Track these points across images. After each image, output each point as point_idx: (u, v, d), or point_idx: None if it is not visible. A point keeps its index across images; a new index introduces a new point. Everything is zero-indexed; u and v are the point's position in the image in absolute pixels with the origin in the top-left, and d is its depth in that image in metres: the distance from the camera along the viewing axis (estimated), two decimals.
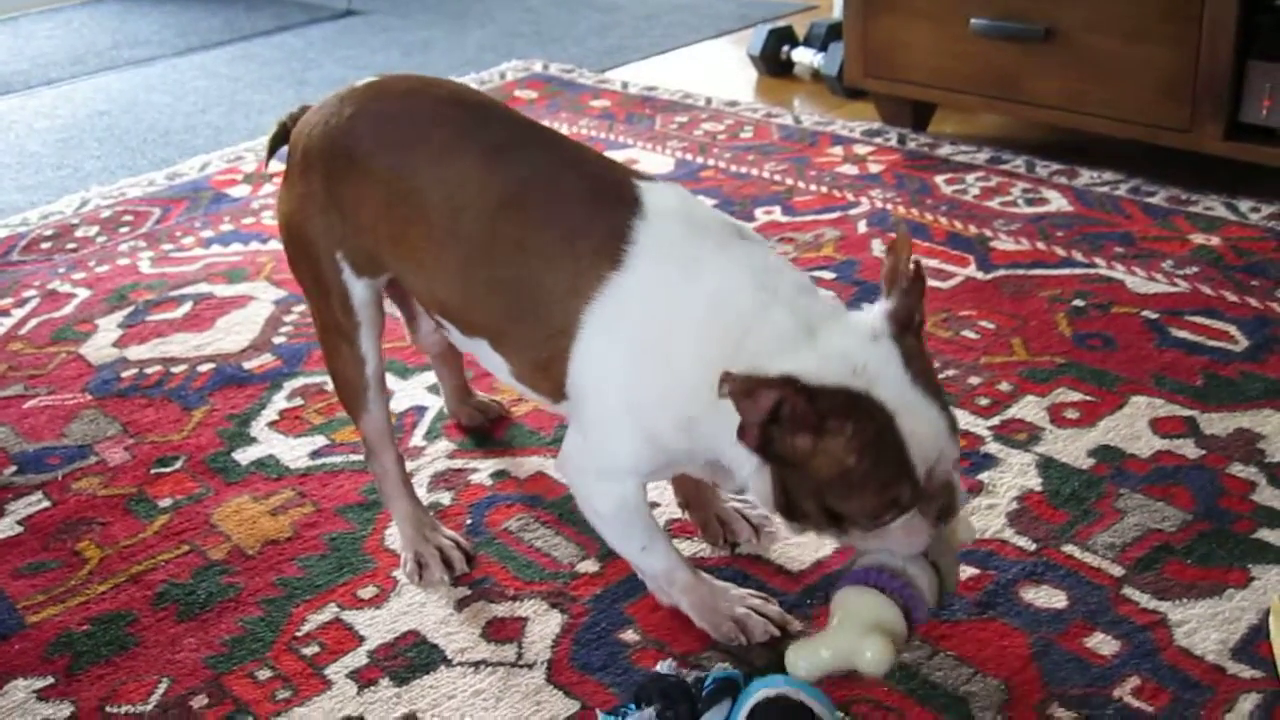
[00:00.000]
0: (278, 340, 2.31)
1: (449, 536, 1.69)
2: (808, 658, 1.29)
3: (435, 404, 2.06)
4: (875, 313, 1.29)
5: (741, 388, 1.19)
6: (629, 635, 1.54)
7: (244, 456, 1.96)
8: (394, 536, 1.74)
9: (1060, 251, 2.42)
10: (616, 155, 3.08)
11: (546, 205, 1.43)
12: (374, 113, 1.56)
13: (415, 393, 2.10)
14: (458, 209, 1.46)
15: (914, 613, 1.30)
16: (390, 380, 2.14)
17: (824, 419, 1.21)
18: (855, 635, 1.27)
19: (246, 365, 2.23)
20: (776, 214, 2.69)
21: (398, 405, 2.06)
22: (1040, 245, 2.46)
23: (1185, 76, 2.55)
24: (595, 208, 1.41)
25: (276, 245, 2.70)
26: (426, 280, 1.53)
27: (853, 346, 1.25)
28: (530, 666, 1.50)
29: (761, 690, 1.30)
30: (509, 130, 1.52)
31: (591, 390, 1.41)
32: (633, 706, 1.33)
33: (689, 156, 3.05)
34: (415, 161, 1.49)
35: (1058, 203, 2.65)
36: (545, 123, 3.27)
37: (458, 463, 1.90)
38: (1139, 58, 2.60)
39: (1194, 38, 2.51)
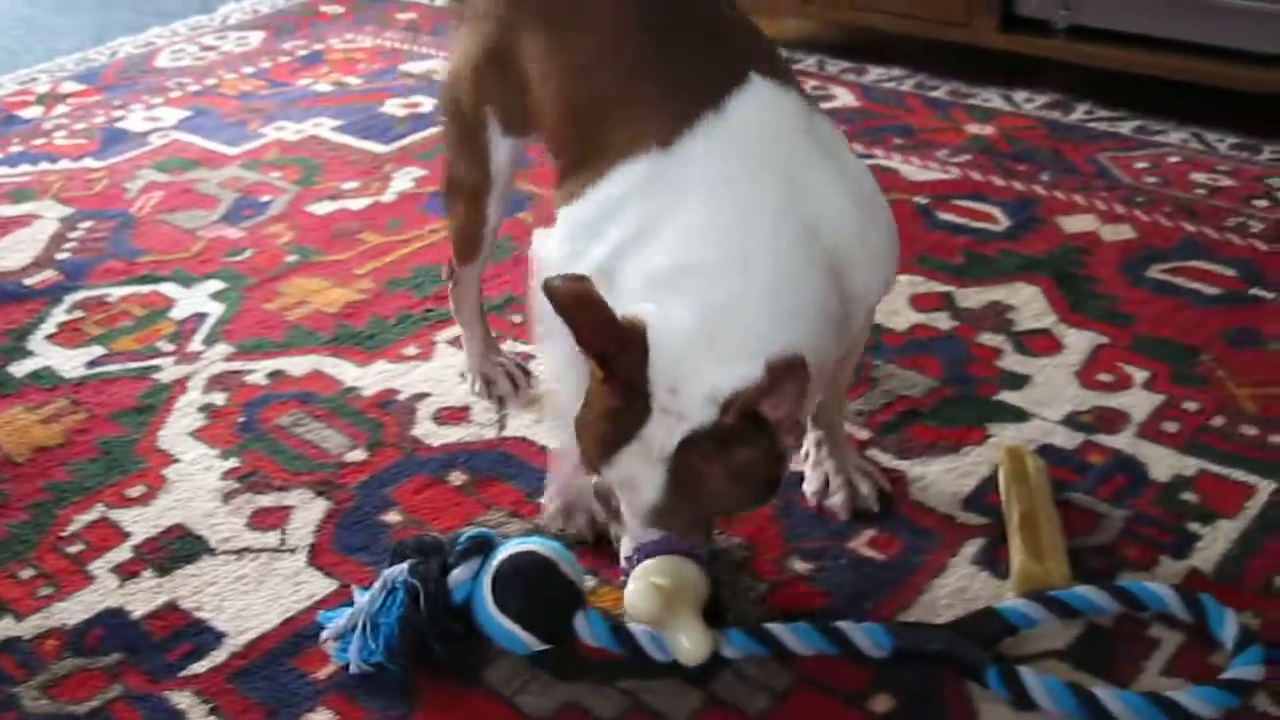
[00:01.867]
0: (61, 256, 2.27)
1: (512, 358, 1.81)
2: (648, 602, 1.23)
3: (216, 310, 2.05)
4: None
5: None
6: (391, 516, 1.57)
7: (19, 369, 1.94)
8: (167, 439, 1.74)
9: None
10: (417, 67, 3.07)
11: (657, 64, 1.38)
12: None
13: (198, 300, 2.09)
14: (592, 66, 1.43)
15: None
16: (173, 289, 2.13)
17: None
18: (689, 614, 1.24)
19: (27, 281, 2.19)
20: None
21: (179, 313, 2.05)
22: None
23: None
24: (693, 82, 1.34)
25: (67, 164, 2.65)
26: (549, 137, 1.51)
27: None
28: (292, 551, 1.53)
29: (510, 547, 1.34)
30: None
31: None
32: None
33: None
34: (575, 25, 1.45)
35: (844, 98, 2.72)
36: (349, 38, 3.28)
37: (235, 365, 1.91)
38: None
39: None
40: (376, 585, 1.34)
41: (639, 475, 1.22)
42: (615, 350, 1.21)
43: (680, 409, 1.19)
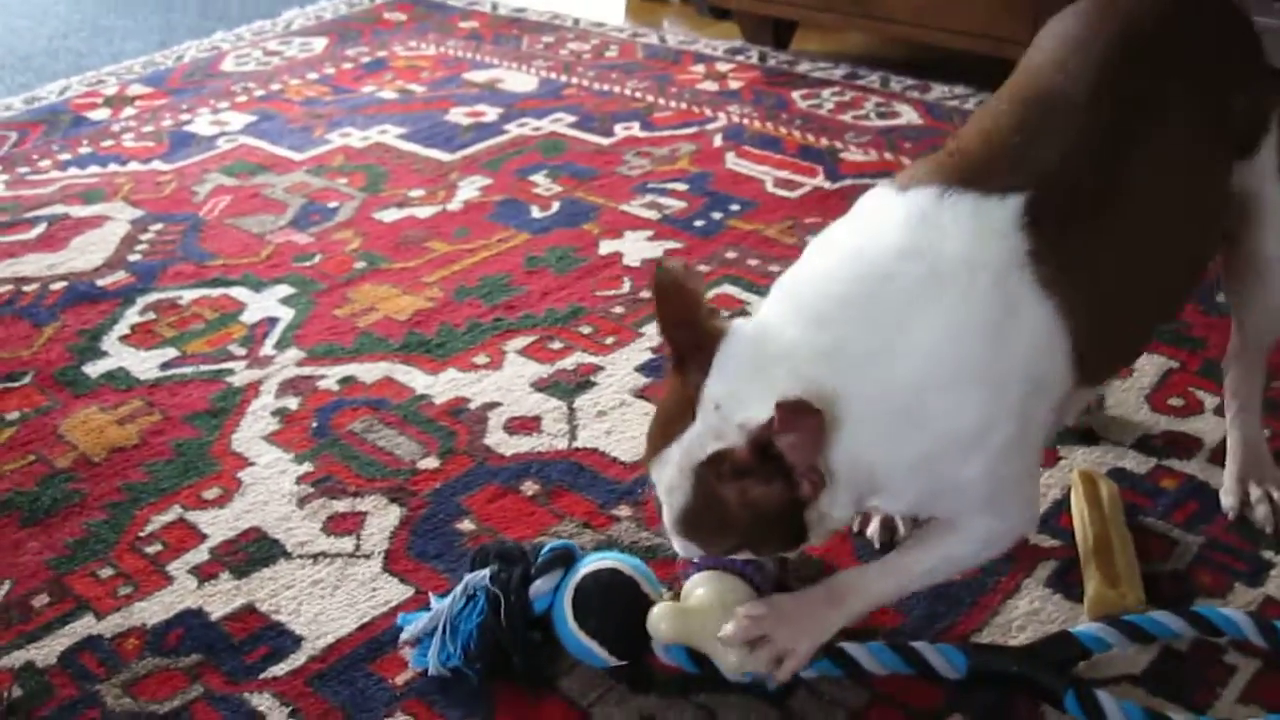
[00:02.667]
0: (133, 258, 2.30)
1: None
2: (670, 622, 1.28)
3: (286, 315, 2.08)
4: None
5: None
6: (465, 525, 1.59)
7: (94, 370, 1.97)
8: (242, 442, 1.77)
9: (907, 161, 2.49)
10: (480, 76, 3.10)
11: None
12: None
13: (268, 305, 2.12)
14: None
15: (762, 590, 1.33)
16: (243, 293, 2.16)
17: None
18: (723, 626, 1.26)
19: (100, 283, 2.23)
20: (635, 129, 2.73)
21: (250, 317, 2.08)
22: (888, 156, 2.53)
23: None
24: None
25: (136, 167, 2.69)
26: None
27: None
28: (368, 557, 1.54)
29: (593, 562, 1.36)
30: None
31: None
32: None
33: (553, 75, 3.07)
34: None
35: (908, 116, 2.72)
36: (412, 45, 3.31)
37: (306, 370, 1.93)
38: None
39: None
40: (458, 589, 1.36)
41: (673, 481, 1.23)
42: (689, 349, 1.23)
43: (717, 426, 1.20)
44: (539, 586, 1.33)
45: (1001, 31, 2.69)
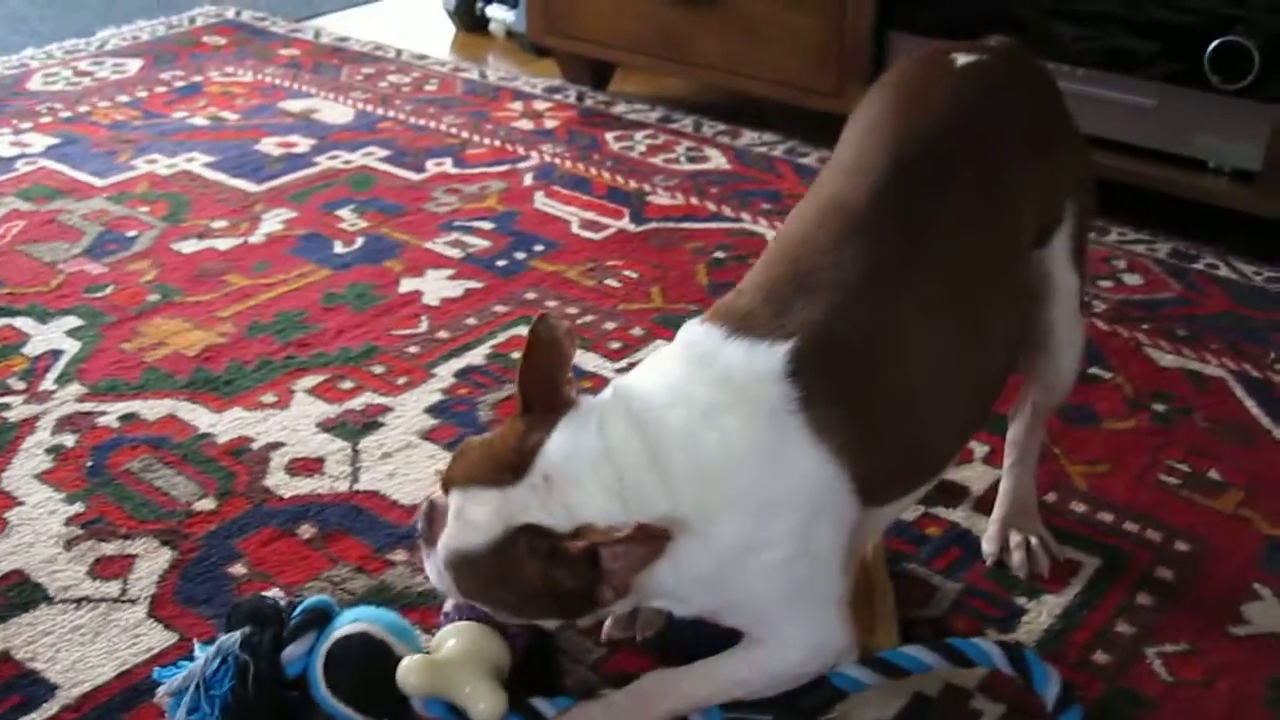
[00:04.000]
0: None
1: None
2: (418, 675, 1.28)
3: (72, 348, 2.02)
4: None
5: None
6: (237, 569, 1.56)
7: None
8: (11, 480, 1.72)
9: (711, 206, 2.54)
10: (296, 105, 3.06)
11: None
12: None
13: (53, 337, 2.06)
14: None
15: (516, 641, 1.36)
16: (28, 324, 2.09)
17: None
18: (474, 676, 1.28)
19: None
20: (447, 165, 2.73)
21: (33, 350, 2.02)
22: (694, 200, 2.57)
23: (833, 44, 2.70)
24: None
25: None
26: None
27: None
28: (133, 602, 1.51)
29: (345, 626, 1.34)
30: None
31: None
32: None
33: (369, 108, 3.05)
34: None
35: (717, 161, 2.78)
36: (229, 71, 3.26)
37: (87, 406, 1.88)
38: (792, 24, 2.74)
39: (839, 8, 2.66)
40: (211, 649, 1.33)
41: (473, 520, 1.23)
42: (539, 406, 1.25)
43: (543, 498, 1.21)
44: (291, 651, 1.31)
45: (809, 82, 2.77)
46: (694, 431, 1.24)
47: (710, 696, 1.34)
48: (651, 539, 1.18)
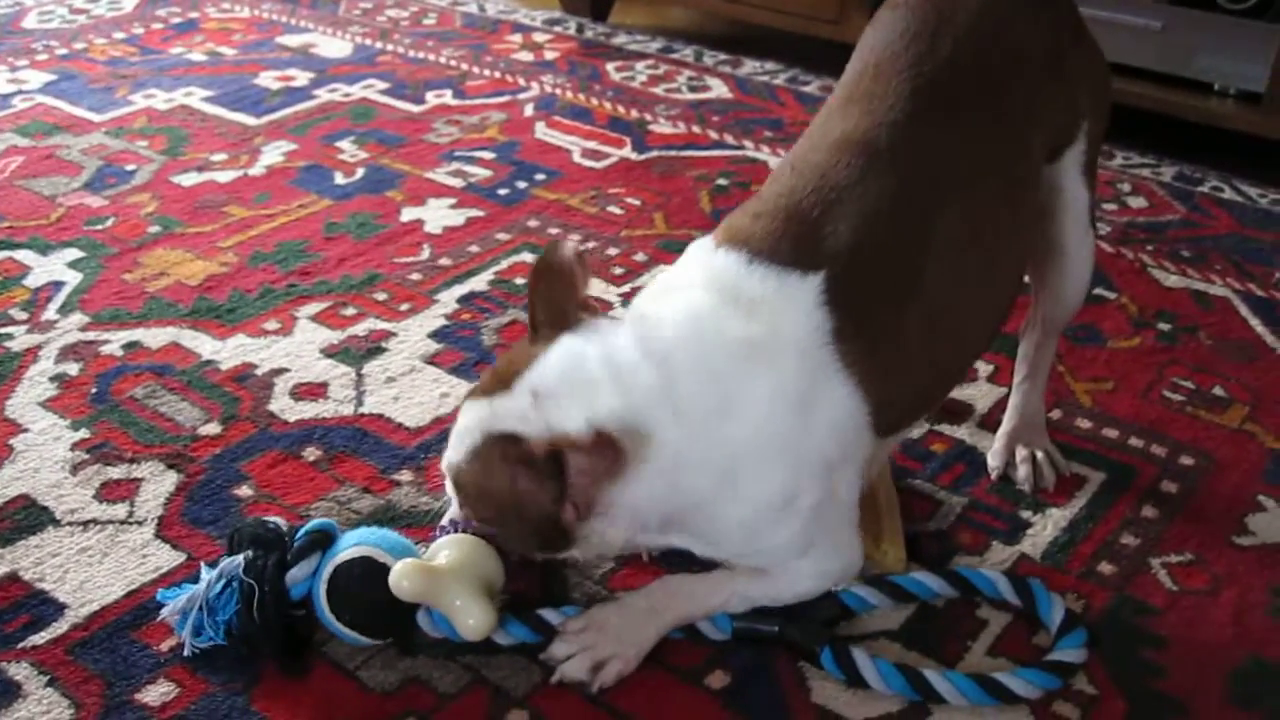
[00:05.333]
0: None
1: None
2: (411, 580, 1.27)
3: (73, 279, 2.02)
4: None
5: None
6: (243, 490, 1.57)
7: None
8: (16, 408, 1.71)
9: (713, 135, 2.53)
10: (293, 40, 3.04)
11: None
12: None
13: (54, 268, 2.05)
14: None
15: (510, 557, 1.35)
16: (29, 256, 2.09)
17: None
18: (464, 589, 1.28)
19: None
20: (447, 97, 2.71)
21: (34, 281, 2.01)
22: (695, 129, 2.56)
23: None
24: None
25: None
26: None
27: None
28: (140, 524, 1.51)
29: (348, 550, 1.33)
30: None
31: None
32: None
33: (368, 41, 3.03)
34: None
35: (719, 90, 2.76)
36: (225, 7, 3.23)
37: (90, 335, 1.88)
38: None
39: None
40: (214, 573, 1.33)
41: (465, 431, 1.26)
42: (546, 325, 1.27)
43: (525, 410, 1.22)
44: (295, 574, 1.31)
45: (810, 10, 2.74)
46: (718, 370, 1.22)
47: (723, 605, 1.35)
48: (609, 448, 1.16)
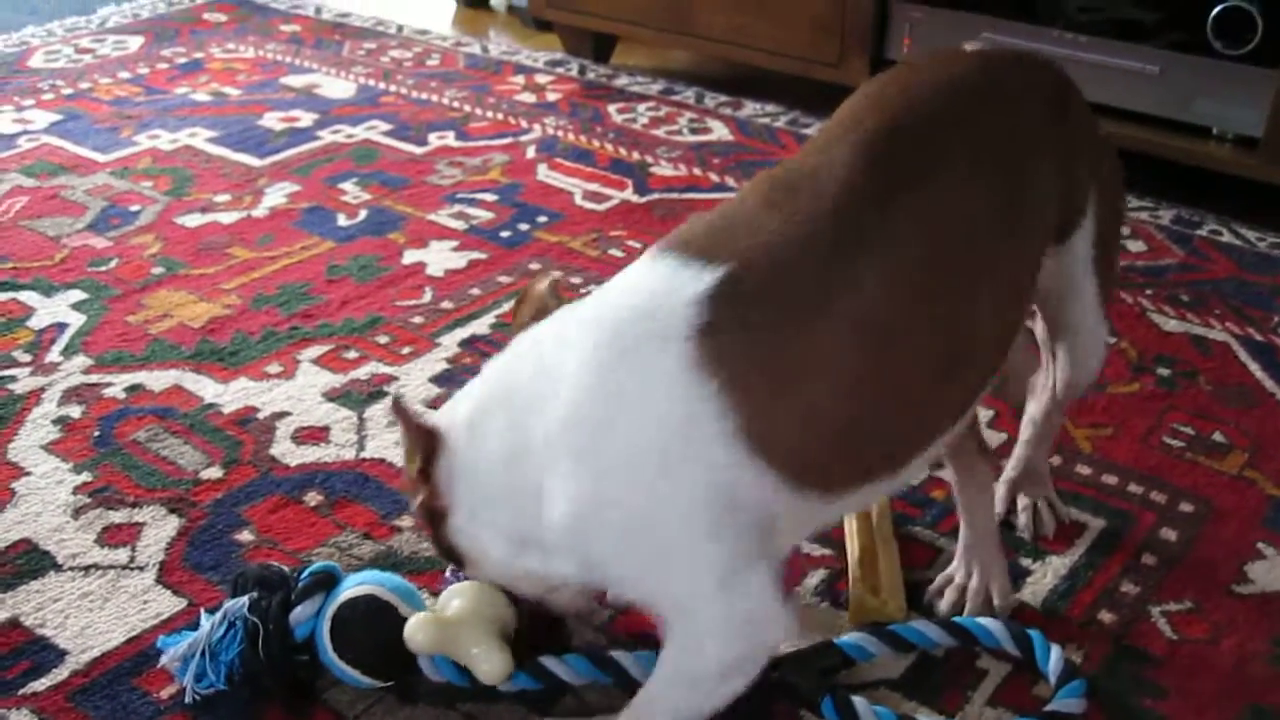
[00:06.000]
0: None
1: None
2: (425, 633, 1.28)
3: (77, 320, 2.03)
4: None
5: None
6: (244, 536, 1.57)
7: None
8: (19, 451, 1.72)
9: (714, 177, 2.54)
10: (297, 80, 3.06)
11: None
12: None
13: (58, 310, 2.06)
14: None
15: (521, 602, 1.34)
16: (33, 298, 2.10)
17: None
18: (479, 636, 1.28)
19: None
20: (450, 139, 2.73)
21: (38, 323, 2.02)
22: (697, 171, 2.57)
23: (835, 15, 2.70)
24: None
25: None
26: None
27: None
28: (142, 569, 1.52)
29: (352, 589, 1.35)
30: None
31: None
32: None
33: (372, 82, 3.05)
34: None
35: (720, 132, 2.77)
36: (230, 47, 3.25)
37: (93, 378, 1.89)
38: None
39: None
40: (217, 615, 1.33)
41: None
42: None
43: (451, 420, 1.25)
44: (299, 614, 1.32)
45: (812, 54, 2.76)
46: (558, 356, 1.16)
47: None
48: (425, 434, 1.20)
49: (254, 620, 1.31)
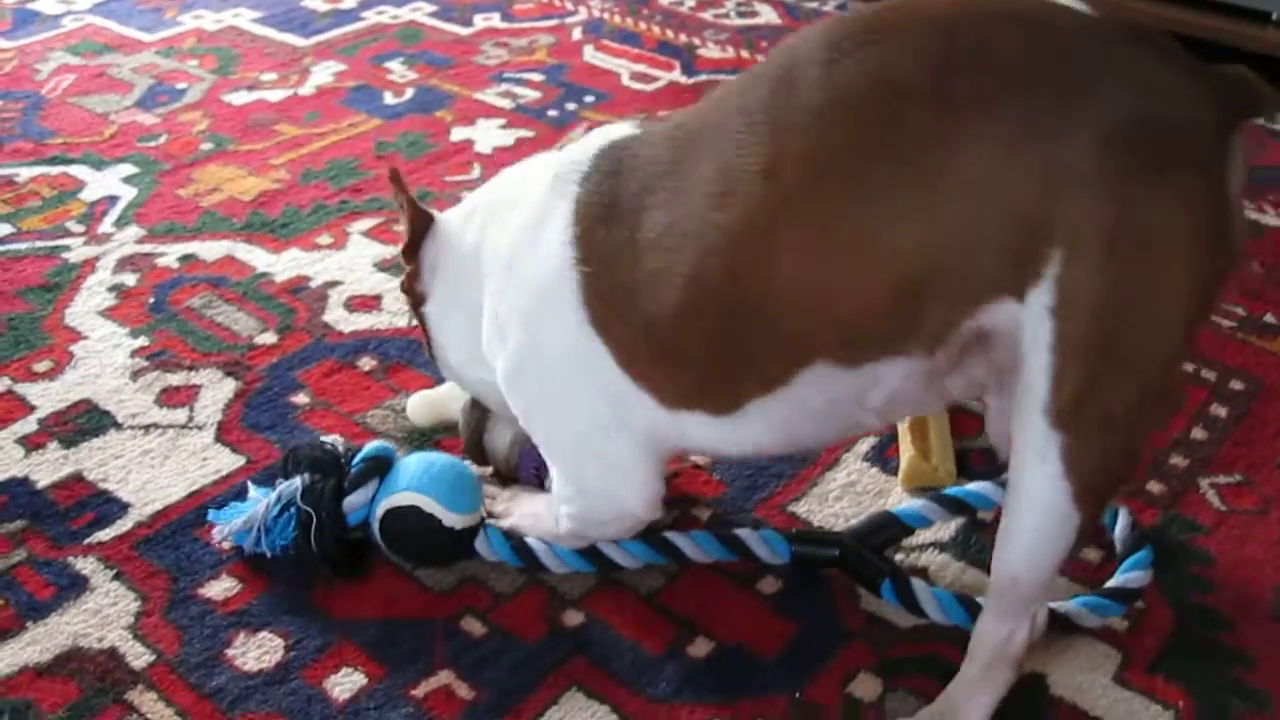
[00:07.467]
0: None
1: None
2: (419, 413, 1.53)
3: (128, 193, 2.04)
4: None
5: None
6: (300, 398, 1.59)
7: None
8: (76, 316, 1.74)
9: (762, 59, 2.51)
10: None
11: None
12: None
13: (109, 183, 2.07)
14: None
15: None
16: (84, 172, 2.11)
17: None
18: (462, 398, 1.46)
19: None
20: (495, 20, 2.71)
21: (90, 195, 2.03)
22: (745, 53, 2.55)
23: None
24: None
25: None
26: None
27: None
28: (200, 428, 1.54)
29: (399, 494, 1.31)
30: None
31: None
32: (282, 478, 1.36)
33: None
34: None
35: (767, 16, 2.74)
36: None
37: (146, 247, 1.90)
38: None
39: None
40: (272, 496, 1.33)
41: None
42: None
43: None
44: (352, 500, 1.31)
45: None
46: (532, 179, 1.25)
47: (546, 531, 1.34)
48: (407, 196, 1.32)
49: (307, 509, 1.30)
